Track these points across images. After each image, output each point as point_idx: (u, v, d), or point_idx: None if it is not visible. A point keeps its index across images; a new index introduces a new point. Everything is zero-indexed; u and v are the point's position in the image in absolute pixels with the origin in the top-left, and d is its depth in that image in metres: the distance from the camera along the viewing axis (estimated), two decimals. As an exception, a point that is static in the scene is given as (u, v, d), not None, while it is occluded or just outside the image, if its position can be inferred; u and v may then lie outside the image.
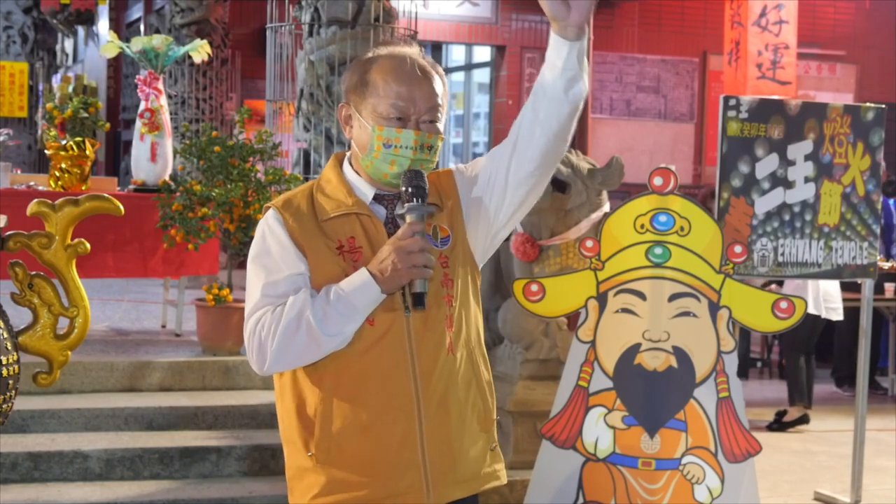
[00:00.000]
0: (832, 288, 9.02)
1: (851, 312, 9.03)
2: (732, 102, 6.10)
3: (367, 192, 3.03)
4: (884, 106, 6.53)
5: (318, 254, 2.95)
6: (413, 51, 3.04)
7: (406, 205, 2.90)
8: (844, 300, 9.32)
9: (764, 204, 6.09)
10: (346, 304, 2.87)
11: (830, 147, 6.24)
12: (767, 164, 6.08)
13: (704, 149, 15.35)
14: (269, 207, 3.04)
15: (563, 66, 2.91)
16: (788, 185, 6.13)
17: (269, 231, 2.99)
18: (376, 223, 3.00)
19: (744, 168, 6.04)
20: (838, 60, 15.35)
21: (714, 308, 4.96)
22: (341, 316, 2.87)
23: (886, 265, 10.02)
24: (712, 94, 14.84)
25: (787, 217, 6.12)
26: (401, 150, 2.94)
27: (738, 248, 5.01)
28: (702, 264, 4.99)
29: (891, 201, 10.93)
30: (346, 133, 3.07)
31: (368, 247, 2.96)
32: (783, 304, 4.92)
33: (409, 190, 2.90)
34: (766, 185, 6.07)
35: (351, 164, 3.08)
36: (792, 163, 6.13)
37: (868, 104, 6.53)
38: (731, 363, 4.98)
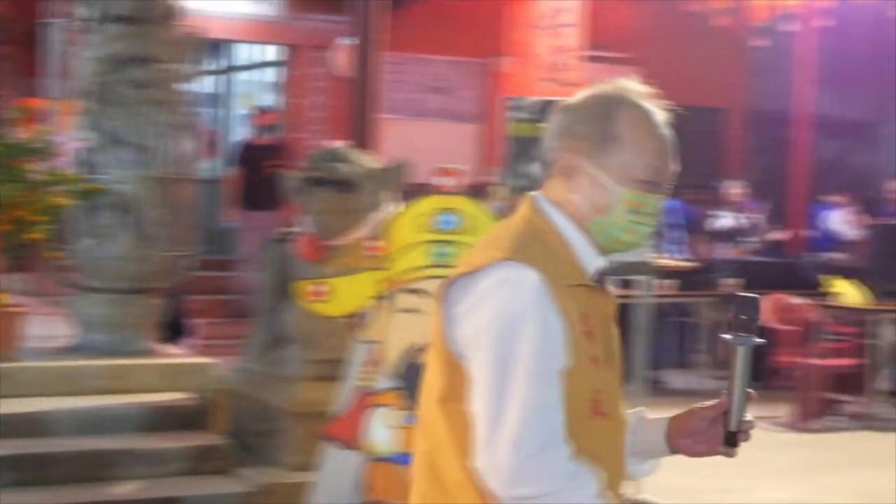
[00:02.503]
0: None
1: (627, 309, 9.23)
2: (517, 103, 6.16)
3: (592, 260, 2.51)
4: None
5: (575, 334, 2.40)
6: (653, 95, 2.57)
7: (751, 338, 2.52)
8: (624, 297, 9.51)
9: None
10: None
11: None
12: (550, 164, 6.15)
13: (490, 149, 15.51)
14: (510, 262, 2.37)
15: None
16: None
17: (534, 304, 2.34)
18: (603, 303, 2.55)
19: (527, 168, 6.11)
20: (626, 63, 15.68)
21: (497, 307, 4.99)
22: None
23: (664, 262, 10.28)
24: (498, 96, 15.00)
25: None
26: (645, 217, 2.49)
27: (520, 247, 5.06)
28: (485, 263, 5.02)
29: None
30: (560, 184, 2.52)
31: (601, 332, 2.50)
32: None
33: (751, 321, 2.53)
34: (548, 185, 6.14)
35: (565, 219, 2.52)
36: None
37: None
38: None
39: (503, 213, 6.01)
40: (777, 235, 13.80)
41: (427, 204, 5.09)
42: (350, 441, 4.89)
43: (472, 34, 15.14)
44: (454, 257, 5.00)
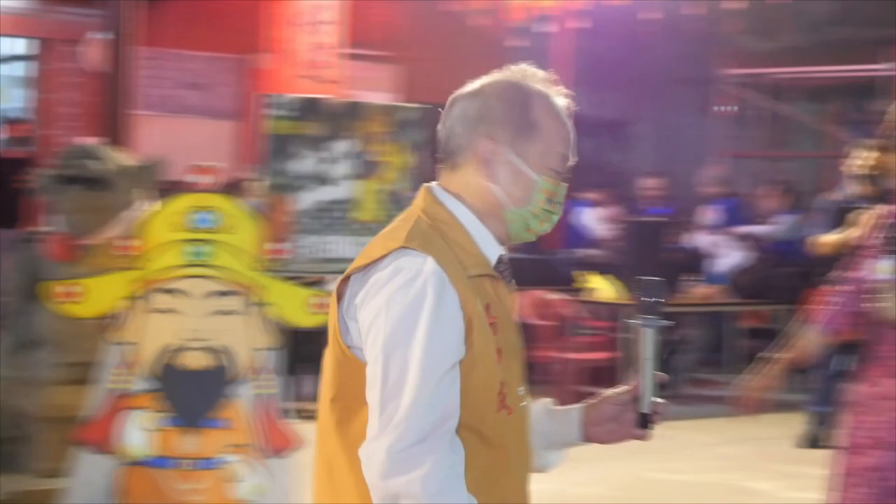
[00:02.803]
0: None
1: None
2: (275, 101, 6.13)
3: (494, 250, 2.45)
4: (427, 106, 6.70)
5: (480, 325, 2.33)
6: (553, 81, 2.60)
7: (657, 321, 2.50)
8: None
9: (305, 201, 6.14)
10: None
11: (370, 145, 6.36)
12: (309, 162, 6.13)
13: (248, 146, 15.36)
14: (406, 251, 2.31)
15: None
16: (329, 182, 6.20)
17: (430, 293, 2.27)
18: (505, 294, 2.47)
19: (286, 166, 6.07)
20: (387, 61, 15.74)
21: (255, 305, 4.96)
22: None
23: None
24: (256, 93, 14.86)
25: (328, 214, 6.19)
26: (557, 206, 2.47)
27: (279, 245, 5.03)
28: (243, 262, 4.98)
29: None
30: (472, 173, 2.45)
31: (504, 323, 2.42)
32: (318, 300, 4.98)
33: (657, 303, 2.51)
34: (307, 183, 6.13)
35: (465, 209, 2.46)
36: (333, 160, 6.21)
37: (406, 104, 6.71)
38: (274, 360, 5.00)
39: (260, 211, 5.96)
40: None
41: (182, 202, 5.03)
42: (103, 445, 4.80)
43: (230, 30, 14.98)
44: (211, 256, 4.95)
